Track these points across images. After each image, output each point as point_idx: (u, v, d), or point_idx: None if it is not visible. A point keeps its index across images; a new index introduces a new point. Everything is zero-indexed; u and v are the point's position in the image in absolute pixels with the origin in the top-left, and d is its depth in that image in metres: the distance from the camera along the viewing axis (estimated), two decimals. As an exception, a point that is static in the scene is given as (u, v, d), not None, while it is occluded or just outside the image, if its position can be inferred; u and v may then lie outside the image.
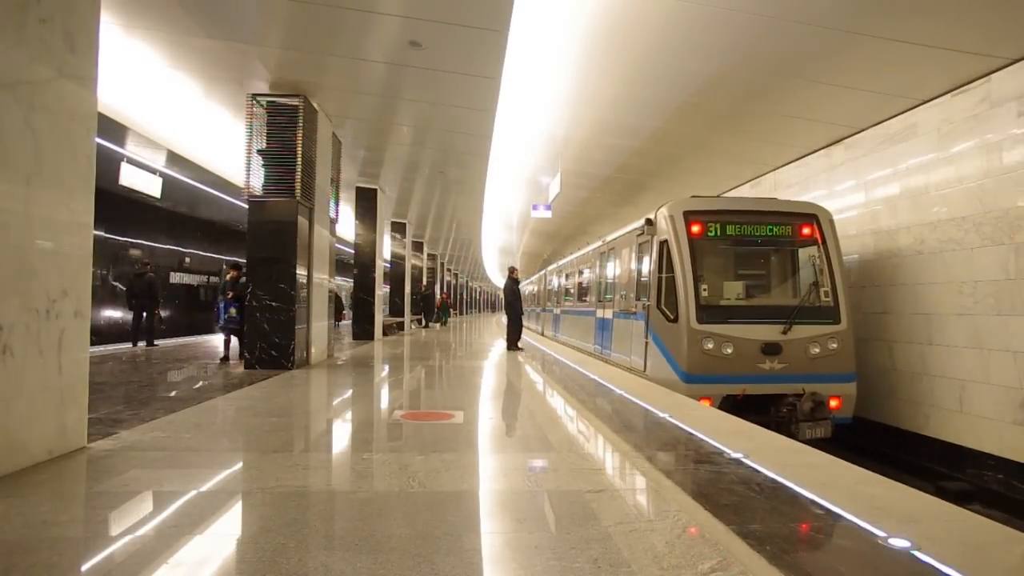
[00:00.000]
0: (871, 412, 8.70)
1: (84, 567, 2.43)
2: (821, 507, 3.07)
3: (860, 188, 9.33)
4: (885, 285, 8.74)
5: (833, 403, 7.55)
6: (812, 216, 8.43)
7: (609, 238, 12.30)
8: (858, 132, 9.29)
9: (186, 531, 2.77)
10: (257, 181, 8.71)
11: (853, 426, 8.06)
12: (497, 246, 34.29)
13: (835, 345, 7.80)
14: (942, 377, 7.71)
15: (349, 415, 6.25)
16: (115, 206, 13.76)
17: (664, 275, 8.37)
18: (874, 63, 7.31)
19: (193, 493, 3.29)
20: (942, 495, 4.77)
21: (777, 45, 7.31)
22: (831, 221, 8.42)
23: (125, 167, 12.77)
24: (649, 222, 8.94)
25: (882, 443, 8.58)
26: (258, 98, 8.67)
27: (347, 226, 18.32)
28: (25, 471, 3.43)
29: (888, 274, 8.68)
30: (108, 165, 11.97)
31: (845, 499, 3.14)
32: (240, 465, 3.99)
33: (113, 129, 11.00)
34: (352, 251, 16.74)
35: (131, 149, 12.70)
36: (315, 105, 9.11)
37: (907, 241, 8.29)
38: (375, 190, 15.46)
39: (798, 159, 10.99)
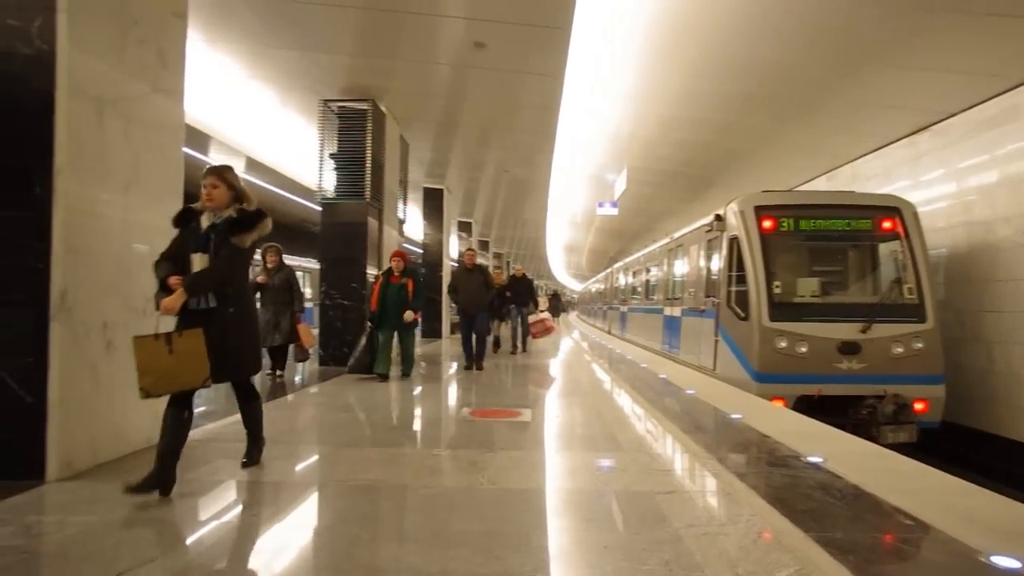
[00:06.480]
0: (966, 417, 8.12)
1: (177, 545, 2.64)
2: (909, 517, 2.89)
3: (950, 178, 8.72)
4: (981, 281, 8.13)
5: (918, 406, 7.10)
6: (894, 209, 7.96)
7: (677, 235, 12.04)
8: (947, 118, 8.68)
9: (266, 519, 2.93)
10: (329, 184, 9.04)
11: (945, 432, 7.55)
12: (563, 244, 34.18)
13: (920, 345, 7.33)
14: (1047, 380, 7.10)
15: (419, 411, 6.40)
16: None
17: (734, 272, 8.12)
18: (966, 41, 6.79)
19: (273, 483, 3.46)
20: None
21: (853, 27, 6.90)
22: (915, 214, 7.92)
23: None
24: (719, 218, 8.69)
25: (978, 451, 7.99)
26: (329, 103, 8.99)
27: (415, 226, 18.73)
28: (127, 457, 3.71)
29: (985, 269, 8.07)
30: (192, 172, 12.69)
31: (936, 510, 2.94)
32: (316, 458, 4.15)
33: (196, 137, 11.66)
34: (421, 251, 17.10)
35: (213, 156, 13.43)
36: (383, 108, 9.35)
37: (1006, 233, 7.69)
38: (441, 190, 15.72)
39: (877, 149, 10.39)
